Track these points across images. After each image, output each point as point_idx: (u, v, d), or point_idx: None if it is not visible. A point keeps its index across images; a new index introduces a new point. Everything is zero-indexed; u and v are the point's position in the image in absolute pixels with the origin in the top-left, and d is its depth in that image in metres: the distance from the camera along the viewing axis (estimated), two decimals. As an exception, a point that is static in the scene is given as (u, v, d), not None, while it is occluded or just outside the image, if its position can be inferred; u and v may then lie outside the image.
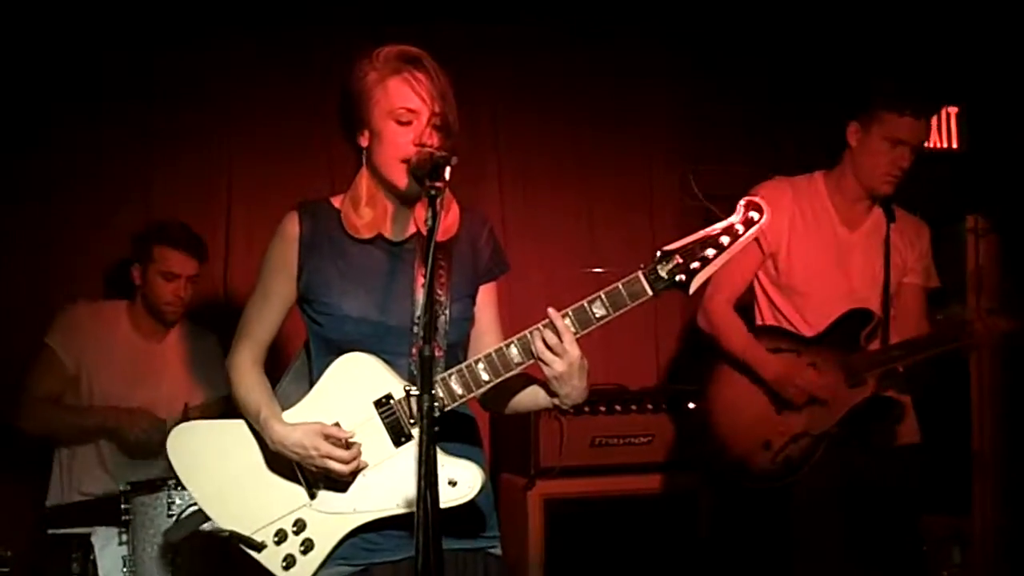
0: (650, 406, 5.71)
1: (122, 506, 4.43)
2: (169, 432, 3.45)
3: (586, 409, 5.55)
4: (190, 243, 5.11)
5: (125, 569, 4.42)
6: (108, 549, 4.51)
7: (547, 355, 3.13)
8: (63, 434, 5.09)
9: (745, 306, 5.00)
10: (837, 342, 4.72)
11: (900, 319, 4.83)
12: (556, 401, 3.26)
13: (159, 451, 4.33)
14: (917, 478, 4.80)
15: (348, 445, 3.19)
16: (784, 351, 4.79)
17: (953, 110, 6.57)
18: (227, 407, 3.53)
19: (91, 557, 4.53)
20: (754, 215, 3.15)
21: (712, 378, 4.96)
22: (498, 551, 3.45)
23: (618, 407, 5.64)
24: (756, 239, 4.59)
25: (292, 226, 3.37)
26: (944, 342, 4.64)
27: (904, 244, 4.88)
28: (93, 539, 4.56)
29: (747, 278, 4.93)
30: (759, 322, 4.97)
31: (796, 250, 4.82)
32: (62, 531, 4.69)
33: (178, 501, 4.35)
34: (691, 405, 5.68)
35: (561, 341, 3.11)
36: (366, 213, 3.34)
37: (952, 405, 6.01)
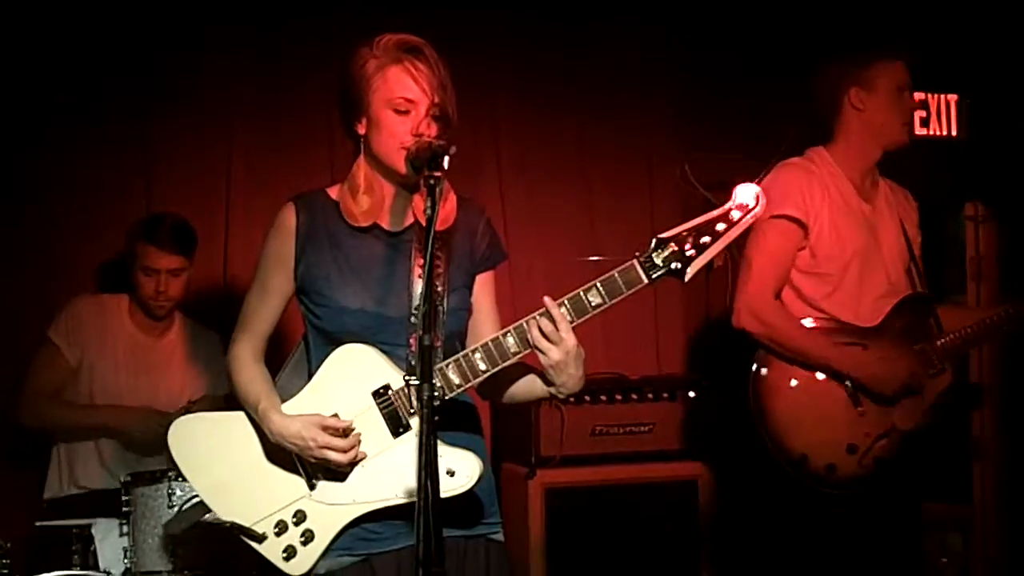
0: (650, 395, 5.70)
1: (123, 497, 4.44)
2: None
3: (586, 398, 5.55)
4: (167, 238, 5.06)
5: (126, 560, 4.43)
6: (109, 540, 4.52)
7: (543, 343, 3.13)
8: (64, 431, 5.10)
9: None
10: (902, 330, 4.51)
11: None
12: (553, 390, 3.26)
13: (163, 448, 4.35)
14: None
15: (346, 435, 3.20)
16: (848, 345, 4.49)
17: (953, 98, 6.57)
18: (228, 405, 3.54)
19: (91, 548, 4.54)
20: (749, 202, 3.16)
21: (762, 382, 4.53)
22: (499, 536, 3.46)
23: (618, 396, 5.63)
24: (801, 224, 4.49)
25: (289, 218, 3.38)
26: (1015, 324, 4.56)
27: (906, 216, 4.73)
28: (93, 530, 4.56)
29: (790, 268, 4.56)
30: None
31: (834, 233, 4.52)
32: (62, 523, 4.69)
33: (179, 492, 4.36)
34: (691, 394, 5.70)
35: (557, 329, 3.11)
36: (364, 201, 3.34)
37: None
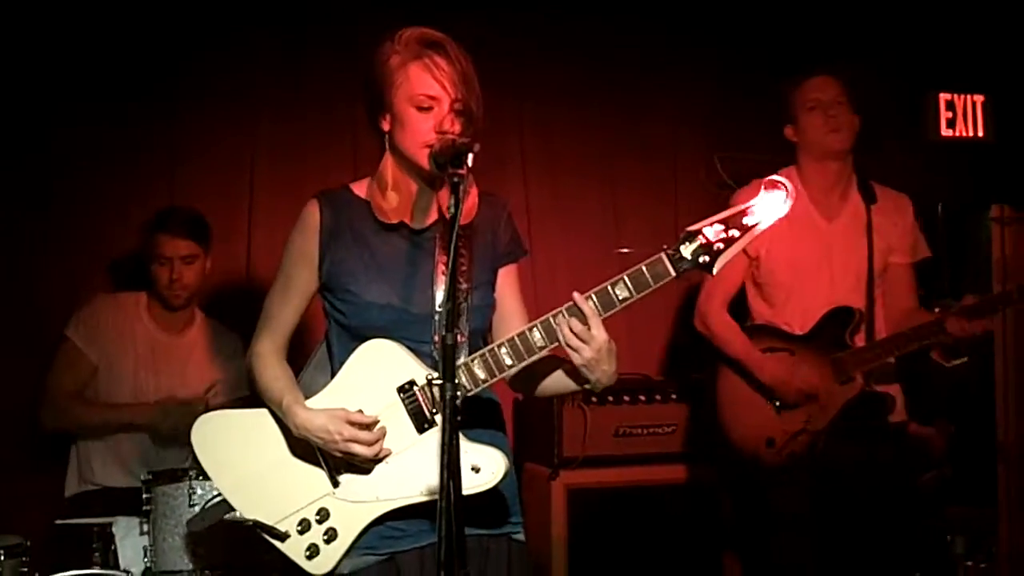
0: (674, 396, 5.69)
1: (143, 496, 4.42)
2: (198, 416, 3.45)
3: (610, 399, 5.53)
4: (178, 225, 5.07)
5: (146, 559, 4.39)
6: (129, 539, 4.49)
7: (575, 342, 3.11)
8: (86, 430, 5.09)
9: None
10: (824, 341, 4.86)
11: (889, 300, 4.99)
12: (587, 386, 3.23)
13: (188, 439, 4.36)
14: (904, 454, 5.00)
15: (371, 429, 3.17)
16: (778, 350, 4.94)
17: (979, 99, 6.54)
18: (247, 406, 3.51)
19: (112, 547, 4.51)
20: (777, 196, 3.15)
21: (717, 378, 5.09)
22: (521, 536, 3.44)
23: (642, 397, 5.62)
24: None
25: (313, 215, 3.36)
26: (919, 340, 4.74)
27: (887, 224, 4.97)
28: (114, 529, 4.53)
29: (738, 281, 5.07)
30: (753, 321, 5.11)
31: (777, 251, 4.92)
32: (82, 521, 4.68)
33: (199, 491, 4.33)
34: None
35: (588, 327, 3.09)
36: (393, 198, 3.33)
37: (978, 392, 5.97)
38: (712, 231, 3.13)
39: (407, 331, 3.27)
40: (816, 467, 4.84)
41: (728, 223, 3.14)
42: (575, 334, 3.10)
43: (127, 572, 4.42)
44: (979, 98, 6.54)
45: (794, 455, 4.85)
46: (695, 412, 5.67)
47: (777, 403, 4.90)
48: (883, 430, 4.85)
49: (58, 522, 4.73)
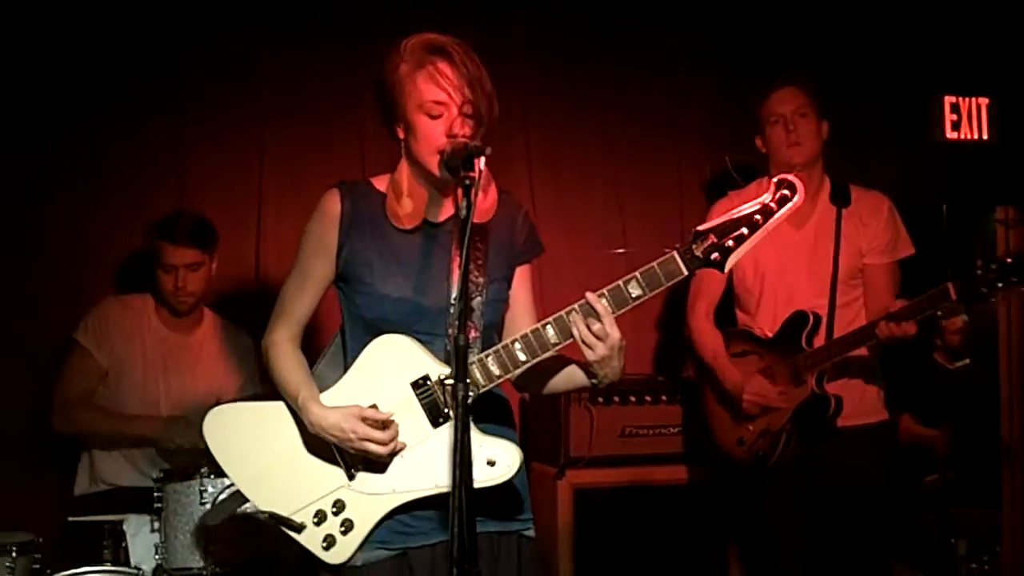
0: (680, 396, 5.69)
1: (155, 494, 4.43)
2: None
3: (616, 399, 5.55)
4: (182, 233, 5.03)
5: (157, 556, 4.42)
6: (140, 536, 4.52)
7: (590, 339, 3.13)
8: (99, 438, 5.07)
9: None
10: (785, 344, 4.96)
11: (869, 300, 5.01)
12: (595, 381, 3.26)
13: (197, 459, 4.36)
14: (883, 453, 5.04)
15: (386, 426, 3.19)
16: (750, 353, 5.10)
17: (984, 102, 6.55)
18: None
19: (123, 544, 4.54)
20: (787, 193, 3.18)
21: (705, 380, 5.28)
22: (532, 532, 3.45)
23: (648, 397, 5.63)
24: None
25: (333, 204, 3.36)
26: (856, 343, 4.80)
27: (858, 227, 5.02)
28: (125, 526, 4.56)
29: (719, 290, 5.22)
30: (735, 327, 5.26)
31: (746, 259, 4.80)
32: (93, 518, 4.70)
33: (210, 489, 4.36)
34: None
35: (603, 324, 3.12)
36: (407, 204, 3.33)
37: (982, 394, 5.98)
38: (723, 230, 3.17)
39: (421, 324, 3.28)
40: (789, 466, 4.93)
41: (739, 222, 3.17)
42: (592, 332, 3.13)
43: (138, 569, 4.45)
44: (984, 101, 6.56)
45: (759, 454, 4.97)
46: (688, 413, 5.70)
47: (734, 413, 5.07)
48: (832, 430, 4.88)
49: (70, 519, 4.75)
